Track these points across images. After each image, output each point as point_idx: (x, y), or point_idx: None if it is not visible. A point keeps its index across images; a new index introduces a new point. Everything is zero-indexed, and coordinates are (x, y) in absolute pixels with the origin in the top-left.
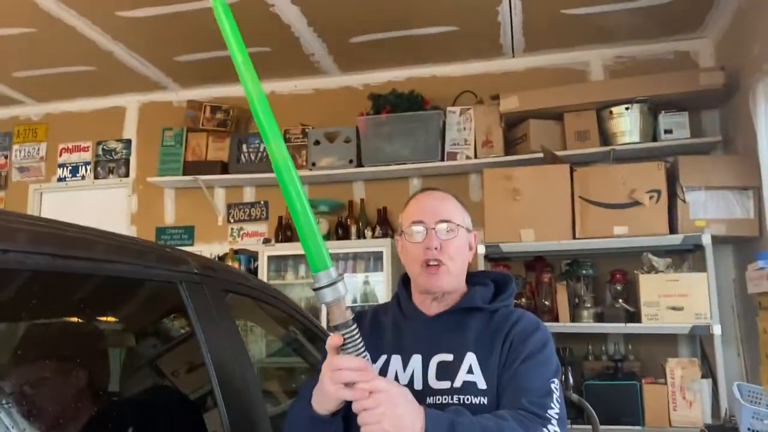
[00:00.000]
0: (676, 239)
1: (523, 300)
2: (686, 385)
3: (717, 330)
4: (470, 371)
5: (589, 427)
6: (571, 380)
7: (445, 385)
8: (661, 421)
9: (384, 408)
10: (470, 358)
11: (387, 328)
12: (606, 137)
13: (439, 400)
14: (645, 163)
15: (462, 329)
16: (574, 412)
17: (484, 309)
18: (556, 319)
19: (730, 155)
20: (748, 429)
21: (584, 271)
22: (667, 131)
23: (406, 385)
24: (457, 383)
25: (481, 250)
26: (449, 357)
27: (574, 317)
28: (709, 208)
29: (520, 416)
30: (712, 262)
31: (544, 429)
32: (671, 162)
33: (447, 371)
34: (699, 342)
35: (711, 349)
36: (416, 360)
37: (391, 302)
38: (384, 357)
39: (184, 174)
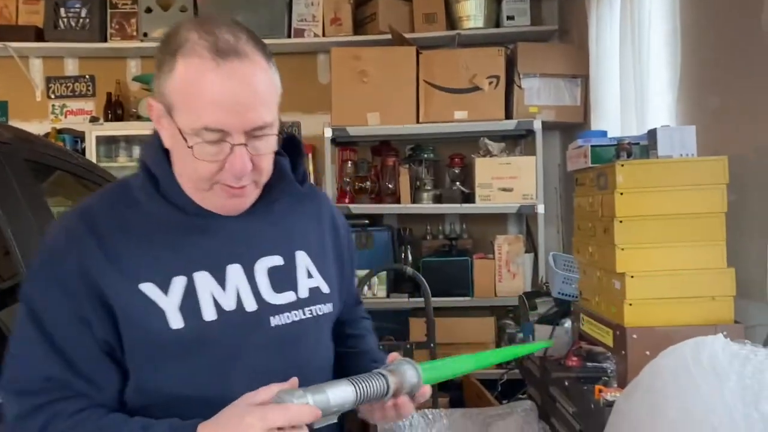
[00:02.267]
0: (510, 124)
1: (369, 183)
2: (511, 260)
3: (541, 209)
4: (309, 275)
5: (423, 299)
6: (410, 257)
7: (290, 297)
8: (488, 292)
9: None
10: (303, 258)
11: (156, 235)
12: (452, 21)
13: (287, 318)
14: (487, 48)
15: (276, 221)
16: (411, 286)
17: (294, 192)
18: (398, 201)
19: (565, 44)
20: (559, 292)
21: (426, 155)
22: (510, 17)
23: (234, 310)
24: (302, 292)
25: (328, 133)
26: (278, 260)
27: (415, 199)
28: (542, 95)
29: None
30: (540, 147)
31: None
32: (511, 48)
33: (284, 279)
34: (525, 220)
35: (535, 226)
36: (235, 272)
37: (138, 192)
38: (180, 279)
39: None
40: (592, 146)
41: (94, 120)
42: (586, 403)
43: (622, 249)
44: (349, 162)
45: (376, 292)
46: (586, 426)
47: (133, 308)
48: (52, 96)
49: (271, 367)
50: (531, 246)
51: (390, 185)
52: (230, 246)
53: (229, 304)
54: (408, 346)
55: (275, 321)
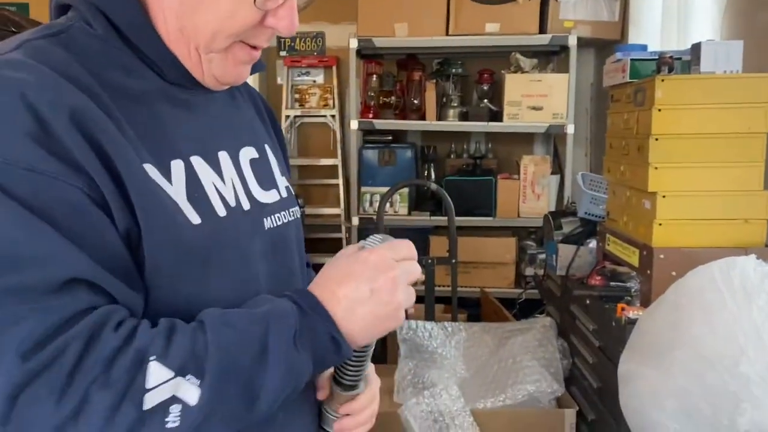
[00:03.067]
0: (544, 39)
1: (393, 98)
2: (537, 181)
3: (570, 129)
4: (280, 171)
5: (446, 217)
6: (433, 176)
7: (273, 195)
8: (511, 212)
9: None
10: (269, 152)
11: (140, 104)
12: None
13: (276, 220)
14: None
15: (240, 110)
16: (433, 205)
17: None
18: (423, 118)
19: None
20: (586, 212)
21: (454, 70)
22: None
23: (235, 208)
24: (282, 191)
25: (354, 44)
26: (254, 152)
27: (441, 116)
28: (579, 9)
29: None
30: (574, 64)
31: None
32: None
33: (264, 174)
34: (553, 141)
35: (563, 147)
36: (225, 160)
37: (94, 44)
38: (178, 164)
39: None
40: (631, 60)
41: None
42: (606, 320)
43: (656, 168)
44: (374, 76)
45: (398, 209)
46: (606, 343)
47: (148, 194)
48: None
49: (274, 277)
50: (557, 167)
51: (415, 101)
52: (215, 129)
53: (231, 200)
54: (429, 261)
55: (267, 223)
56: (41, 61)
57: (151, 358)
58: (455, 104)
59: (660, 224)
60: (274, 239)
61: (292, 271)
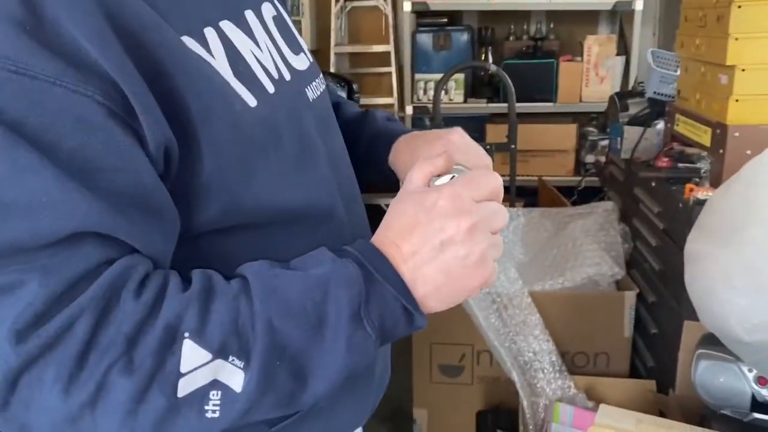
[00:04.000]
0: None
1: None
2: (601, 62)
3: (639, 6)
4: (299, 32)
5: (506, 104)
6: (491, 59)
7: (304, 61)
8: (573, 97)
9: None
10: (280, 7)
11: None
12: None
13: (316, 89)
14: None
15: None
16: (490, 91)
17: None
18: None
19: None
20: (654, 92)
21: None
22: None
23: (278, 80)
24: (308, 55)
25: None
26: (271, 7)
27: None
28: None
29: None
30: None
31: None
32: None
33: (289, 35)
34: (619, 19)
35: (630, 26)
36: (254, 21)
37: None
38: (210, 31)
39: None
40: None
41: None
42: (673, 202)
43: (736, 39)
44: None
45: (453, 96)
46: (671, 225)
47: (197, 76)
48: None
49: (331, 159)
50: (623, 48)
51: None
52: None
53: (273, 71)
54: (488, 147)
55: (310, 94)
56: None
57: (186, 335)
58: None
59: (737, 100)
60: (320, 113)
61: (342, 146)
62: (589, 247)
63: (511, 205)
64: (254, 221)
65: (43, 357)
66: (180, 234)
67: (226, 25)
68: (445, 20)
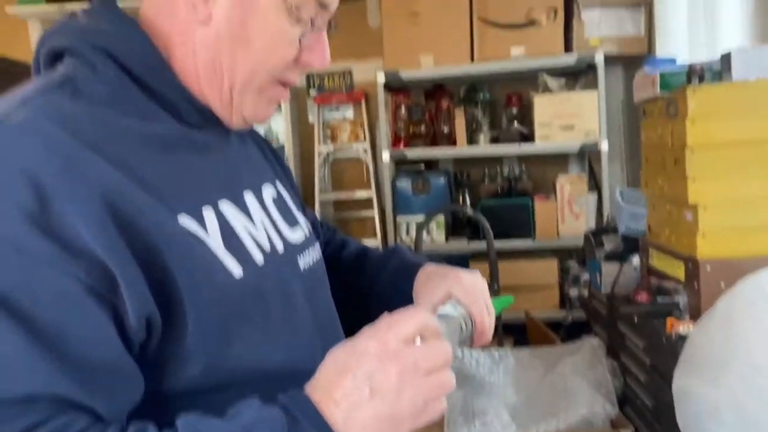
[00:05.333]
0: (570, 59)
1: (423, 127)
2: (574, 200)
3: (605, 146)
4: (296, 207)
5: (485, 241)
6: (468, 201)
7: (299, 233)
8: (551, 233)
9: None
10: (281, 188)
11: (164, 152)
12: None
13: (310, 259)
14: None
15: (248, 147)
16: (470, 230)
17: None
18: (454, 144)
19: None
20: (626, 228)
21: (482, 96)
22: None
23: (270, 252)
24: (304, 227)
25: (381, 79)
26: (272, 188)
27: (471, 141)
28: (603, 27)
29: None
30: (603, 81)
31: None
32: None
33: (287, 212)
34: (587, 159)
35: (598, 165)
36: (251, 201)
37: (107, 92)
38: (209, 211)
39: (47, 2)
40: (660, 73)
41: None
42: (656, 337)
43: (694, 179)
44: (403, 107)
45: (435, 237)
46: (657, 360)
47: (186, 252)
48: None
49: (317, 321)
50: (594, 185)
51: (445, 129)
52: (235, 170)
53: (264, 244)
54: None
55: (302, 264)
56: (51, 121)
57: None
58: (485, 129)
59: (704, 235)
60: (311, 280)
61: (332, 312)
62: (580, 386)
63: (500, 344)
64: (233, 380)
65: None
66: (155, 393)
67: (224, 204)
68: (422, 166)
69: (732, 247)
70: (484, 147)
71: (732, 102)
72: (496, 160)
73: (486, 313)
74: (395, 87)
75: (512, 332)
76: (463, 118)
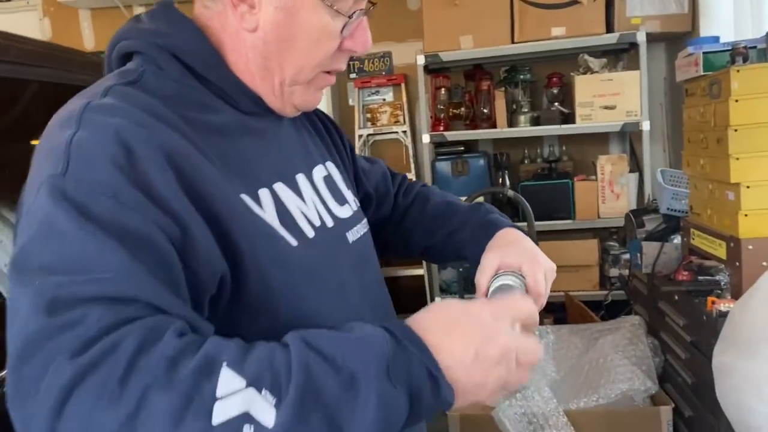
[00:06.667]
0: (611, 38)
1: (463, 109)
2: (615, 180)
3: (646, 126)
4: (346, 185)
5: (525, 223)
6: (507, 182)
7: (347, 210)
8: (591, 213)
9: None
10: (333, 168)
11: (226, 139)
12: None
13: (356, 233)
14: None
15: (297, 127)
16: (509, 212)
17: None
18: (493, 126)
19: None
20: (668, 208)
21: (522, 77)
22: None
23: (320, 227)
24: (353, 205)
25: (421, 61)
26: (323, 169)
27: (512, 123)
28: (646, 5)
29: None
30: (645, 60)
31: None
32: None
33: (336, 190)
34: (629, 139)
35: (639, 145)
36: (303, 182)
37: (172, 85)
38: (265, 192)
39: None
40: (703, 53)
41: None
42: (697, 314)
43: (737, 159)
44: (442, 89)
45: None
46: (698, 338)
47: (247, 222)
48: None
49: (365, 290)
50: (635, 165)
51: (485, 110)
52: (291, 151)
53: (315, 220)
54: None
55: (350, 237)
56: (134, 105)
57: (224, 363)
58: (526, 110)
59: (746, 215)
60: (358, 252)
61: (380, 282)
62: (620, 363)
63: (540, 322)
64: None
65: (92, 373)
66: None
67: (279, 186)
68: (462, 148)
69: None
70: (524, 128)
71: None
72: (537, 141)
73: (543, 288)
74: (435, 69)
75: (552, 312)
76: (503, 100)
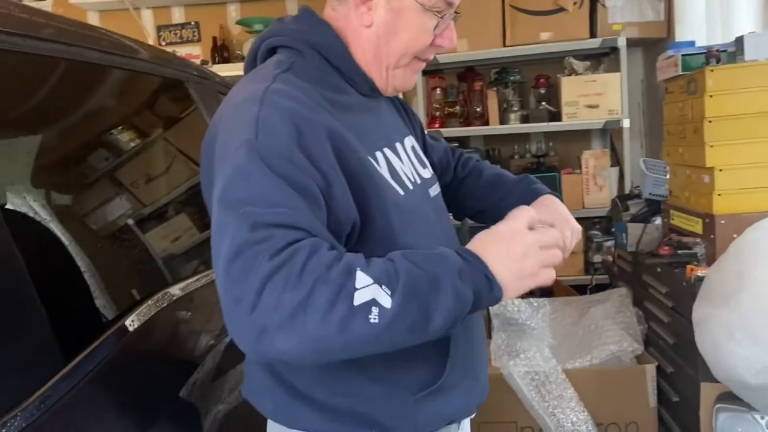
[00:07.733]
0: (595, 43)
1: (457, 108)
2: (598, 173)
3: (626, 123)
4: (426, 152)
5: None
6: None
7: (428, 173)
8: (576, 204)
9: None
10: (413, 141)
11: (353, 114)
12: None
13: (435, 190)
14: None
15: (389, 107)
16: None
17: None
18: (486, 123)
19: None
20: (650, 193)
21: (512, 78)
22: None
23: (413, 182)
24: (430, 169)
25: None
26: (410, 140)
27: (503, 120)
28: (626, 12)
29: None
30: (625, 63)
31: None
32: None
33: (420, 157)
34: (609, 136)
35: (620, 141)
36: (401, 149)
37: (315, 73)
38: (380, 154)
39: None
40: (682, 55)
41: (203, 63)
42: (677, 282)
43: (711, 146)
44: (438, 89)
45: None
46: (678, 302)
47: (374, 177)
48: (163, 43)
49: (444, 231)
50: (616, 160)
51: (478, 109)
52: (390, 125)
53: (411, 176)
54: None
55: (432, 193)
56: (295, 89)
57: (357, 268)
58: (515, 108)
59: (719, 194)
60: (437, 204)
61: (452, 227)
62: (610, 328)
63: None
64: None
65: (280, 270)
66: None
67: (387, 151)
68: (456, 144)
69: (743, 204)
70: (514, 126)
71: (745, 80)
72: (526, 138)
73: (569, 242)
74: (430, 70)
75: (542, 295)
76: (495, 99)
